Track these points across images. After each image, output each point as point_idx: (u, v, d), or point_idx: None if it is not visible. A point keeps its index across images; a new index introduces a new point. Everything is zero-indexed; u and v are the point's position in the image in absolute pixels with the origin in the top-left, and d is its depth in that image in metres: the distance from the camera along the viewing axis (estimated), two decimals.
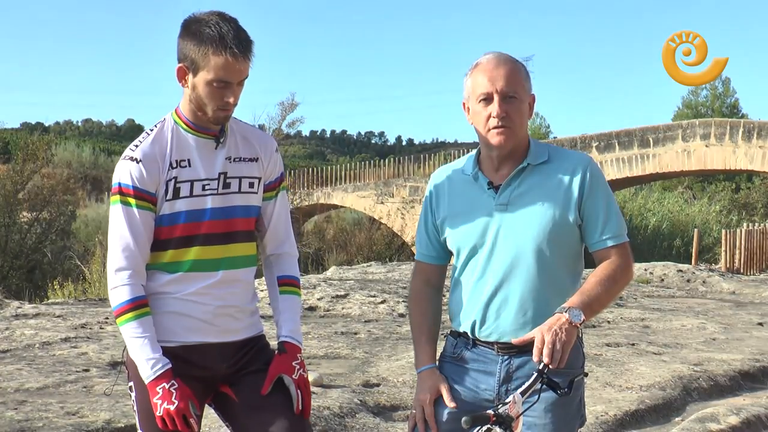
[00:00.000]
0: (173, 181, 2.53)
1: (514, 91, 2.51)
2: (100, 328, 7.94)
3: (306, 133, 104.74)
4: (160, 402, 2.47)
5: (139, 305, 2.50)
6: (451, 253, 2.68)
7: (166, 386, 2.47)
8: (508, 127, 2.51)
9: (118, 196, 2.52)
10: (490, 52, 2.57)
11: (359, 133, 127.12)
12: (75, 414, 4.89)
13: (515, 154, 2.58)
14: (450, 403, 2.54)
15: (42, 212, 22.79)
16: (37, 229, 22.45)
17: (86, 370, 6.12)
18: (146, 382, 2.49)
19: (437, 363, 2.66)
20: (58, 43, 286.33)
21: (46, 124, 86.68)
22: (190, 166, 2.54)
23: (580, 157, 2.58)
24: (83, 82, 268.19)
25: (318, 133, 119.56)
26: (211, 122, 2.55)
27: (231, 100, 2.50)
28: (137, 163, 2.51)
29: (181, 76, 2.52)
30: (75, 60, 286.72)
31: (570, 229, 2.53)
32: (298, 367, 2.63)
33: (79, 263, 16.40)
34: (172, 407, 2.46)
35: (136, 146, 2.55)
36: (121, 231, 2.51)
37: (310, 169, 36.55)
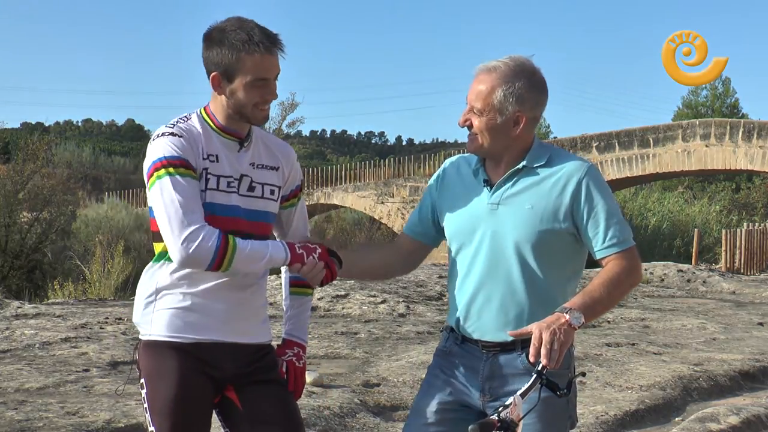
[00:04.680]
0: (205, 171, 2.54)
1: (477, 106, 2.55)
2: (100, 328, 7.93)
3: (306, 133, 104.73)
4: (312, 256, 2.54)
5: (227, 241, 2.45)
6: (435, 238, 2.75)
7: (299, 246, 2.55)
8: (475, 134, 2.57)
9: (162, 170, 2.46)
10: (504, 57, 2.58)
11: (359, 133, 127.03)
12: (75, 414, 4.89)
13: (513, 156, 2.58)
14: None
15: (42, 212, 22.80)
16: (37, 229, 22.46)
17: (86, 370, 6.12)
18: (289, 260, 2.52)
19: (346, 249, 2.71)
20: (59, 44, 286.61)
21: (46, 124, 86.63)
22: (218, 161, 2.57)
23: (578, 163, 2.56)
24: (83, 82, 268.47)
25: (318, 133, 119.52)
26: (254, 122, 2.60)
27: (271, 96, 2.55)
28: (178, 137, 2.50)
29: (216, 84, 2.54)
30: (75, 60, 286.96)
31: (557, 235, 2.52)
32: (290, 353, 2.73)
33: (79, 263, 16.40)
34: (319, 249, 2.55)
35: (172, 125, 2.54)
36: (177, 197, 2.44)
37: (310, 169, 36.55)
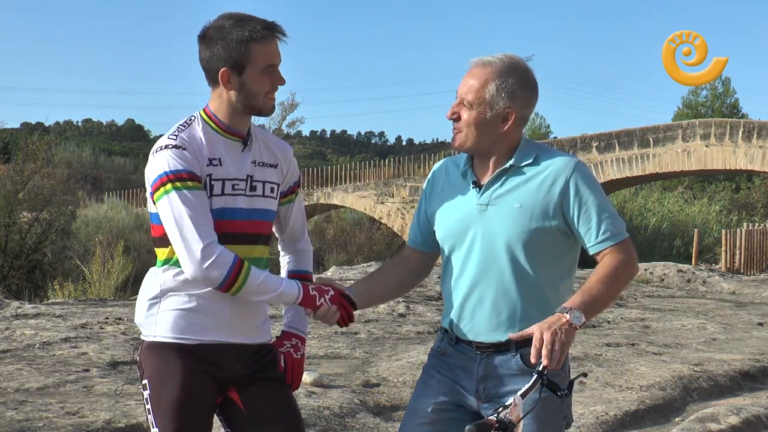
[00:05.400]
0: (208, 178, 2.54)
1: (468, 98, 2.54)
2: (100, 328, 7.93)
3: (306, 133, 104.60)
4: (322, 301, 2.54)
5: (240, 267, 2.47)
6: (437, 244, 2.72)
7: (313, 287, 2.56)
8: (460, 130, 2.57)
9: (168, 185, 2.47)
10: (498, 54, 2.58)
11: (359, 133, 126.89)
12: (75, 414, 4.89)
13: (501, 154, 2.58)
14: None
15: (42, 212, 22.81)
16: (37, 229, 22.47)
17: (86, 370, 6.12)
18: (299, 300, 2.53)
19: (358, 292, 2.68)
20: (59, 44, 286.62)
21: (46, 124, 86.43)
22: (221, 165, 2.57)
23: (566, 160, 2.55)
24: (83, 82, 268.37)
25: (318, 133, 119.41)
26: (264, 113, 2.60)
27: (280, 82, 2.57)
28: (181, 149, 2.50)
29: (226, 79, 2.54)
30: (75, 60, 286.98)
31: (548, 233, 2.51)
32: (288, 344, 2.74)
33: (79, 263, 16.42)
34: (331, 292, 2.56)
35: (176, 135, 2.54)
36: (186, 212, 2.45)
37: (310, 169, 36.55)
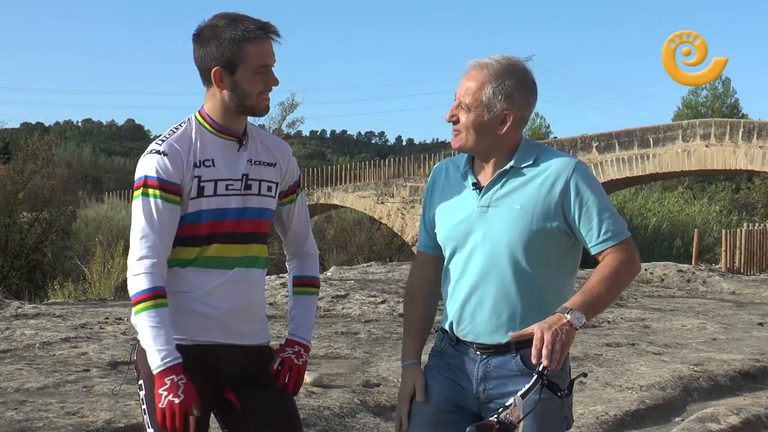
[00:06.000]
0: (197, 179, 2.55)
1: (466, 101, 2.54)
2: (101, 328, 7.93)
3: (306, 133, 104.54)
4: (165, 393, 2.44)
5: (157, 295, 2.49)
6: None
7: (175, 379, 2.45)
8: (459, 131, 2.57)
9: (141, 189, 2.53)
10: (496, 56, 2.57)
11: (359, 133, 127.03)
12: (75, 414, 4.89)
13: (501, 156, 2.57)
14: (420, 398, 2.61)
15: (42, 212, 22.82)
16: (37, 229, 22.49)
17: (86, 370, 6.12)
18: (155, 372, 2.46)
19: (419, 358, 2.69)
20: (59, 44, 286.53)
21: (46, 124, 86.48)
22: (213, 165, 2.57)
23: (565, 160, 2.54)
24: (83, 82, 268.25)
25: (318, 133, 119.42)
26: (257, 113, 2.60)
27: (273, 83, 2.57)
28: (163, 156, 2.52)
29: (218, 78, 2.54)
30: (75, 60, 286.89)
31: (549, 234, 2.51)
32: (289, 350, 2.72)
33: (79, 263, 16.42)
34: (177, 400, 2.43)
35: (163, 141, 2.56)
36: (143, 222, 2.51)
37: (310, 169, 36.54)
